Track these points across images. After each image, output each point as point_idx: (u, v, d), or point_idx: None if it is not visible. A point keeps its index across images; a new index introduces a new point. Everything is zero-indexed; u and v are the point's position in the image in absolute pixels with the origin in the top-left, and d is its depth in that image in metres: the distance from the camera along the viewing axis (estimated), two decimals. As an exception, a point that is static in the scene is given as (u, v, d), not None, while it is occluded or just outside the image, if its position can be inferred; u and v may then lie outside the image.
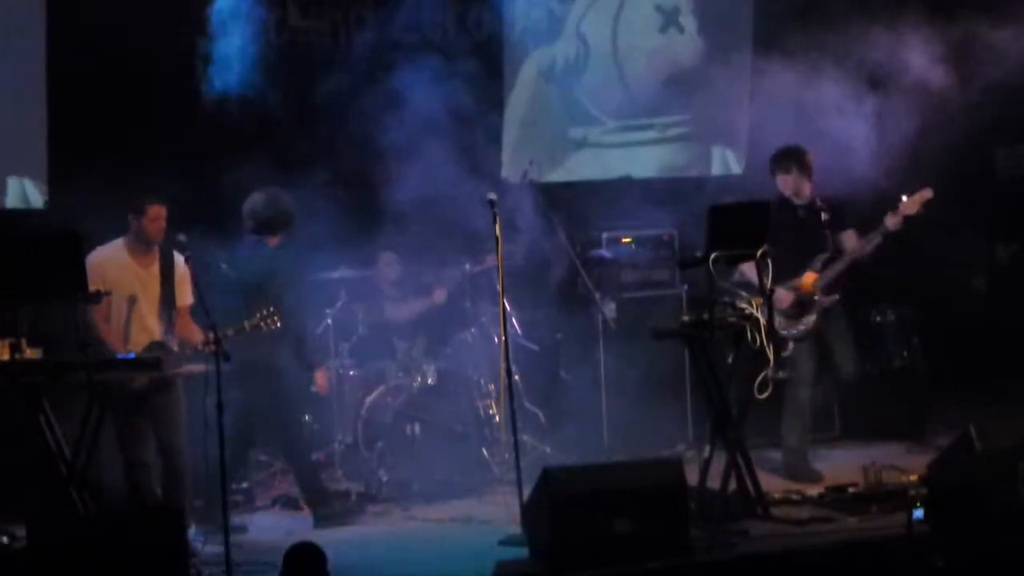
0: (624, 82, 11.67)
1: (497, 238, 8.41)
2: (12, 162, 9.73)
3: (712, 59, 11.72)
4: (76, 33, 9.68)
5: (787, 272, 8.98)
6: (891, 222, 8.97)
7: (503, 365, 8.52)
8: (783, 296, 9.03)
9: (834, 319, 9.31)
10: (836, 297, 9.20)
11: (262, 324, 8.42)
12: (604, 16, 11.59)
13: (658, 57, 11.71)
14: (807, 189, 9.30)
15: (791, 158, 9.29)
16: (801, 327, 9.15)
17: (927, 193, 9.02)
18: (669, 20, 11.76)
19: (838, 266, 9.15)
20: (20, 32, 9.69)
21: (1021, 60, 10.07)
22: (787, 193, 9.30)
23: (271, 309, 8.45)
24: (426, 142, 9.70)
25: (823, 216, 9.20)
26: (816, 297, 9.11)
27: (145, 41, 9.74)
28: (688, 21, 11.82)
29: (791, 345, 9.12)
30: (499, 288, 8.62)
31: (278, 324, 8.45)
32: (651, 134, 11.76)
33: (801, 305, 9.15)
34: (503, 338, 8.54)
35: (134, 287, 8.29)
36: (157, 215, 8.28)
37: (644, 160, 11.78)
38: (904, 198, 9.00)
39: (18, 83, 9.72)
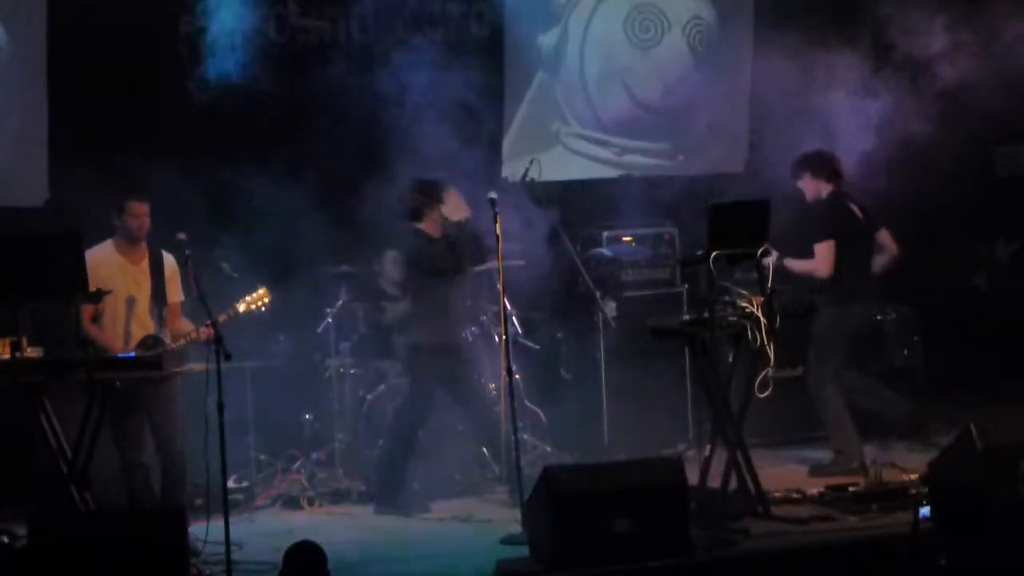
0: (584, 86, 11.43)
1: (498, 237, 8.41)
2: (13, 161, 9.72)
3: (701, 83, 11.53)
4: (77, 31, 9.67)
5: None
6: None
7: (504, 364, 8.51)
8: None
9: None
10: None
11: (252, 306, 8.48)
12: (584, 9, 11.39)
13: (622, 69, 11.43)
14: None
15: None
16: None
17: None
18: (648, 31, 11.47)
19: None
20: (22, 29, 9.69)
21: (1021, 58, 10.07)
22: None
23: (261, 292, 8.51)
24: (426, 140, 9.69)
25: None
26: None
27: (145, 39, 9.74)
28: (673, 37, 11.52)
29: None
30: (499, 287, 8.61)
31: (268, 306, 8.52)
32: (604, 152, 11.49)
33: None
34: (503, 337, 8.53)
35: (130, 287, 8.31)
36: (139, 212, 8.30)
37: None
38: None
39: (20, 80, 9.72)
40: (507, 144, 11.17)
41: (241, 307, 8.48)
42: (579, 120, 11.45)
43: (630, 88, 11.49)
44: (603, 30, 11.40)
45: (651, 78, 11.50)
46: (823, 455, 9.65)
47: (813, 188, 9.46)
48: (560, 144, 11.43)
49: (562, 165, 11.29)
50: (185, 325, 8.39)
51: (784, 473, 9.37)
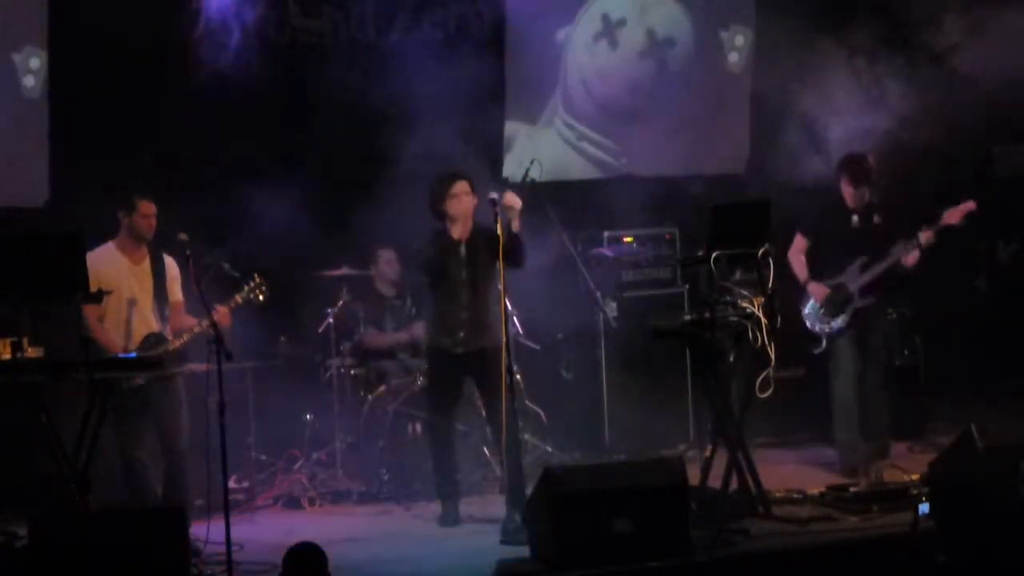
0: (563, 69, 11.49)
1: (499, 237, 8.41)
2: (13, 161, 9.72)
3: (658, 96, 11.51)
4: (77, 31, 9.68)
5: (830, 270, 9.30)
6: (924, 236, 9.13)
7: (504, 364, 8.50)
8: (816, 291, 9.28)
9: (872, 321, 9.36)
10: (872, 299, 9.30)
11: (251, 296, 8.49)
12: (583, 7, 11.48)
13: (587, 64, 11.46)
14: (860, 195, 9.35)
15: (842, 166, 9.40)
16: (834, 324, 9.27)
17: (970, 205, 9.10)
18: (607, 32, 11.49)
19: (876, 269, 9.23)
20: (22, 29, 9.70)
21: (1022, 57, 10.07)
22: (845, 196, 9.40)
23: (258, 280, 8.52)
24: (426, 140, 9.69)
25: (875, 220, 9.34)
26: (853, 296, 9.26)
27: (146, 39, 9.75)
28: (630, 38, 11.52)
29: (823, 342, 9.34)
30: (500, 287, 8.60)
31: (265, 294, 8.52)
32: (568, 133, 11.51)
33: (834, 303, 9.27)
34: (504, 337, 8.52)
35: (132, 288, 8.32)
36: (148, 211, 8.32)
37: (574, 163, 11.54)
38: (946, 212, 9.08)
39: (19, 80, 9.73)
40: (507, 143, 11.20)
41: (239, 298, 8.49)
42: (562, 100, 11.51)
43: (588, 83, 11.52)
44: (584, 24, 11.46)
45: (607, 78, 11.51)
46: (825, 455, 9.68)
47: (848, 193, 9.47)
48: (552, 126, 11.51)
49: (549, 140, 11.36)
50: (188, 321, 8.41)
51: (784, 473, 9.38)
